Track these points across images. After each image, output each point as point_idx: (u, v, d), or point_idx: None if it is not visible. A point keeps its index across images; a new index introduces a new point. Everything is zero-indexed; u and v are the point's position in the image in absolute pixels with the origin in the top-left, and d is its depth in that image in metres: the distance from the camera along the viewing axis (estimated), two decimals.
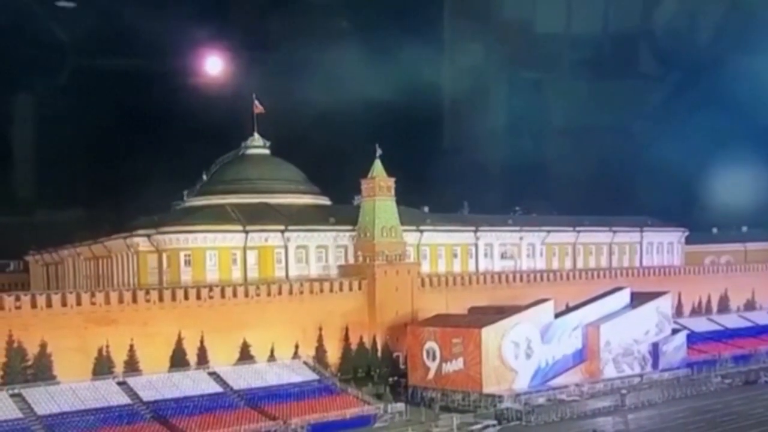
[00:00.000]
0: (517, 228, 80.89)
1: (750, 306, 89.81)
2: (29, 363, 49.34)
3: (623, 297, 66.63)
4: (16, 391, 47.50)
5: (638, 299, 66.77)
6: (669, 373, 65.23)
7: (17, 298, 50.69)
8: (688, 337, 71.01)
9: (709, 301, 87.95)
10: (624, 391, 58.02)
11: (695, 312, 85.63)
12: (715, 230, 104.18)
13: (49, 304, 51.25)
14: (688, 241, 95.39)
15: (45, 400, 47.30)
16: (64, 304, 51.76)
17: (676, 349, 67.69)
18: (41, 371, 49.32)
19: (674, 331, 68.92)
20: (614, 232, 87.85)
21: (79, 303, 52.25)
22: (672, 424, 51.12)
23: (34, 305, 50.74)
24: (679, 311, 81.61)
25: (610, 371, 62.38)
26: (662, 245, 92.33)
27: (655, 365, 65.55)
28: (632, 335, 64.39)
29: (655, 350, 65.76)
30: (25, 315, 50.09)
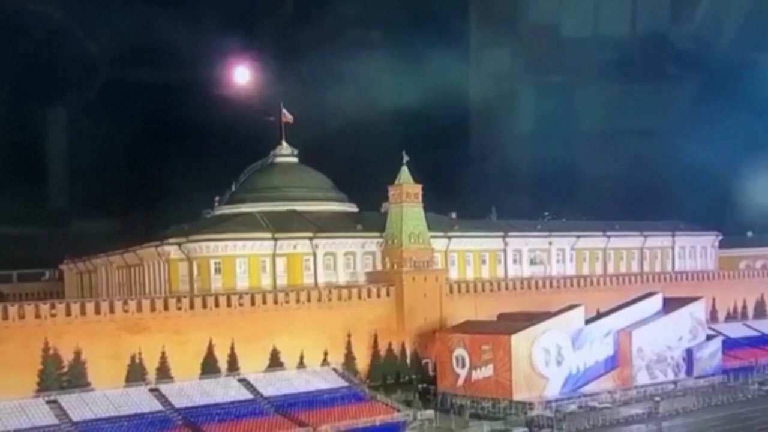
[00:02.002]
0: (546, 233, 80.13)
1: None
2: (64, 370, 50.29)
3: (655, 302, 65.58)
4: (52, 397, 48.44)
5: (671, 305, 65.65)
6: (704, 380, 63.98)
7: (52, 306, 51.71)
8: (724, 343, 69.52)
9: (744, 307, 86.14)
10: (657, 398, 57.10)
11: (730, 317, 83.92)
12: (750, 234, 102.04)
13: (83, 312, 52.19)
14: (722, 245, 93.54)
15: (80, 407, 48.11)
16: (97, 312, 52.66)
17: (711, 355, 66.38)
18: (76, 378, 50.22)
19: (709, 337, 67.59)
20: (645, 236, 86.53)
21: (112, 311, 53.13)
22: None
23: (68, 313, 51.71)
24: (713, 317, 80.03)
25: (642, 378, 61.40)
26: (695, 250, 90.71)
27: (689, 372, 64.34)
28: (665, 341, 63.30)
29: (689, 356, 64.57)
30: (60, 323, 51.07)
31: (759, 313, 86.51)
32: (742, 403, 58.99)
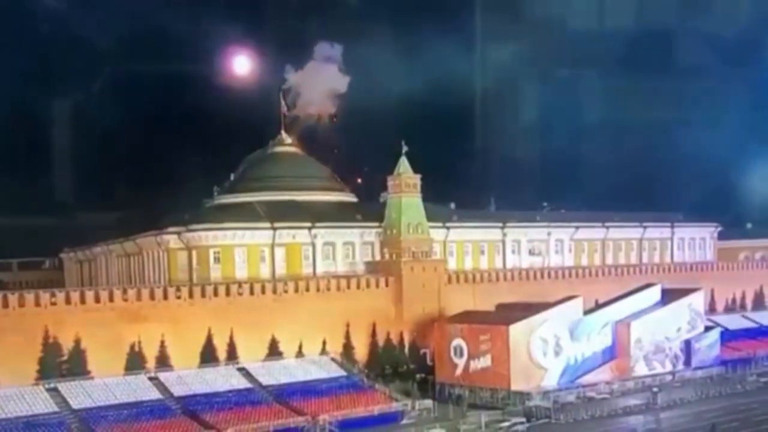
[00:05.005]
0: (545, 224, 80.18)
1: None
2: (64, 358, 50.49)
3: (654, 294, 65.65)
4: (52, 385, 48.62)
5: (670, 296, 65.71)
6: (702, 371, 64.09)
7: (53, 295, 51.88)
8: (722, 334, 69.64)
9: (743, 298, 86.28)
10: (656, 389, 57.23)
11: (729, 309, 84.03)
12: (749, 225, 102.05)
13: (83, 301, 52.37)
14: (721, 236, 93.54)
15: (79, 395, 48.32)
16: (97, 300, 52.84)
17: (709, 346, 66.51)
18: (76, 366, 50.42)
19: (707, 329, 67.69)
20: (644, 227, 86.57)
21: (111, 299, 53.29)
22: (705, 423, 50.23)
23: (68, 302, 51.88)
24: (712, 308, 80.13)
25: (641, 369, 61.57)
26: (694, 241, 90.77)
27: (687, 363, 64.50)
28: (664, 332, 63.43)
29: (687, 348, 64.70)
30: (60, 311, 51.23)
31: (757, 304, 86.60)
32: (740, 395, 59.12)
